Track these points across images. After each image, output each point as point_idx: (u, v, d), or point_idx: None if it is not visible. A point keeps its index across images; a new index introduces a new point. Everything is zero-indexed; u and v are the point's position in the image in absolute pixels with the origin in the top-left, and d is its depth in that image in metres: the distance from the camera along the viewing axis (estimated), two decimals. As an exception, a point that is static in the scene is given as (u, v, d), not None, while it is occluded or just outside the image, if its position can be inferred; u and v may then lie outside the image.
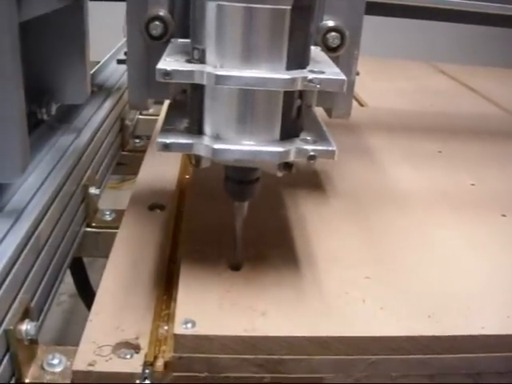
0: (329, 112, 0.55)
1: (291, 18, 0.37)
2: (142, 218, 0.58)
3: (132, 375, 0.39)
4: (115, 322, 0.43)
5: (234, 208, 0.46)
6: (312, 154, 0.39)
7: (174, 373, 0.41)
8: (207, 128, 0.40)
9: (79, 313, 1.10)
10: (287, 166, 0.42)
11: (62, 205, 0.56)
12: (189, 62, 0.40)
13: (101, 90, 0.84)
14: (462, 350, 0.42)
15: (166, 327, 0.44)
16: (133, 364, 0.40)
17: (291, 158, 0.40)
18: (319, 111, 0.50)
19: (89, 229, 0.66)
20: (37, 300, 0.48)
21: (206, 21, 0.38)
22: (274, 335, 0.41)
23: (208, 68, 0.38)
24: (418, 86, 1.17)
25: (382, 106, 1.00)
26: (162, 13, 0.49)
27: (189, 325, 0.40)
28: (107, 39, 1.07)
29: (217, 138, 0.40)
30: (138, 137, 0.94)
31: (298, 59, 0.39)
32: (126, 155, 0.90)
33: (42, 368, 0.42)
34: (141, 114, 1.00)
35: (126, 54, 0.53)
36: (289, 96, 0.39)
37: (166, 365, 0.40)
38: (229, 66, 0.38)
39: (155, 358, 0.41)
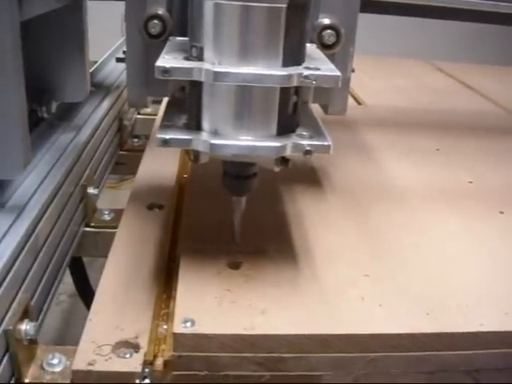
0: (325, 108, 0.56)
1: (287, 16, 0.38)
2: (140, 217, 0.58)
3: (132, 374, 0.39)
4: (115, 321, 0.43)
5: (232, 203, 0.47)
6: (308, 148, 0.40)
7: (174, 372, 0.41)
8: (205, 124, 0.41)
9: (78, 312, 1.10)
10: (284, 160, 0.43)
11: (62, 203, 0.57)
12: (187, 59, 0.40)
13: (99, 89, 0.85)
14: (461, 346, 0.42)
15: (165, 326, 0.44)
16: (132, 363, 0.40)
17: (288, 152, 0.40)
18: (315, 108, 0.51)
19: (88, 228, 0.66)
20: (36, 300, 0.49)
21: (204, 19, 0.39)
22: (274, 333, 0.41)
23: (206, 65, 0.39)
24: (416, 83, 1.18)
25: (379, 104, 1.01)
26: (160, 11, 0.50)
27: (188, 324, 0.40)
28: (103, 39, 1.07)
29: (215, 133, 0.41)
30: (136, 136, 0.95)
31: (294, 56, 0.40)
32: (124, 155, 0.90)
33: (42, 368, 0.42)
34: (139, 113, 1.01)
35: (124, 52, 0.54)
36: (285, 92, 0.40)
37: (166, 364, 0.41)
38: (226, 63, 0.39)
39: (155, 357, 0.41)
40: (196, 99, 0.41)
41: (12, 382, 0.41)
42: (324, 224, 0.56)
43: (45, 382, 0.41)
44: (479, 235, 0.56)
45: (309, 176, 0.67)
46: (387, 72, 1.26)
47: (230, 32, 0.38)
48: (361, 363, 0.42)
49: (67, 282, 0.77)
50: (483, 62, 1.56)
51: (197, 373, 0.41)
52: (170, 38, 0.48)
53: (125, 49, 0.53)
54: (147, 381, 0.40)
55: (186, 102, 0.43)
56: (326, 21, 0.51)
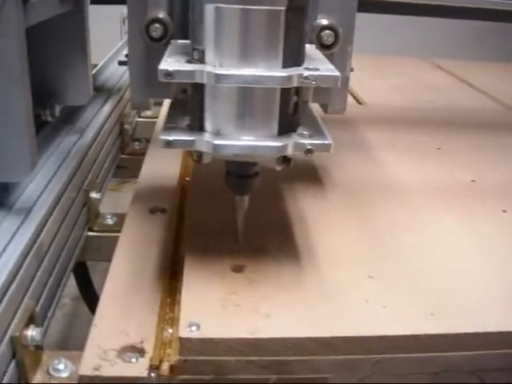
0: (325, 108, 0.56)
1: (286, 18, 0.39)
2: (143, 221, 0.58)
3: (138, 379, 0.39)
4: (120, 325, 0.43)
5: (235, 202, 0.48)
6: (309, 147, 0.41)
7: (180, 376, 0.41)
8: (208, 125, 0.42)
9: (81, 316, 1.10)
10: (285, 160, 0.44)
11: (66, 207, 0.57)
12: (189, 62, 0.41)
13: (100, 93, 0.86)
14: (466, 347, 0.42)
15: (170, 330, 0.44)
16: (138, 368, 0.40)
17: (289, 152, 0.41)
18: (315, 107, 0.52)
19: (90, 233, 0.66)
20: (41, 305, 0.49)
21: (205, 22, 0.40)
22: (279, 337, 0.41)
23: (208, 68, 0.40)
24: (415, 81, 1.18)
25: (380, 104, 1.01)
26: (161, 15, 0.50)
27: (193, 328, 0.41)
28: (102, 41, 1.08)
29: (217, 134, 0.42)
30: (137, 140, 0.95)
31: (294, 57, 0.41)
32: (125, 158, 0.90)
33: (48, 373, 0.43)
34: (139, 116, 1.02)
35: (126, 55, 0.55)
36: (285, 93, 0.41)
37: (172, 368, 0.41)
38: (228, 65, 0.39)
39: (160, 361, 0.41)
40: (198, 101, 0.42)
41: (19, 387, 0.42)
42: (326, 223, 0.57)
43: (52, 387, 0.42)
44: (482, 234, 0.56)
45: (310, 174, 0.67)
46: (386, 71, 1.27)
47: (231, 35, 0.39)
48: (366, 365, 0.42)
49: (70, 285, 0.77)
50: (481, 58, 1.56)
51: (203, 377, 0.41)
52: (172, 41, 0.49)
53: (127, 52, 0.54)
54: (154, 385, 0.40)
55: (189, 103, 0.44)
56: (325, 21, 0.52)
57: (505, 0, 0.89)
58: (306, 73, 0.40)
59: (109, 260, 0.52)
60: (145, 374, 0.40)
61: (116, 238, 0.56)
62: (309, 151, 0.41)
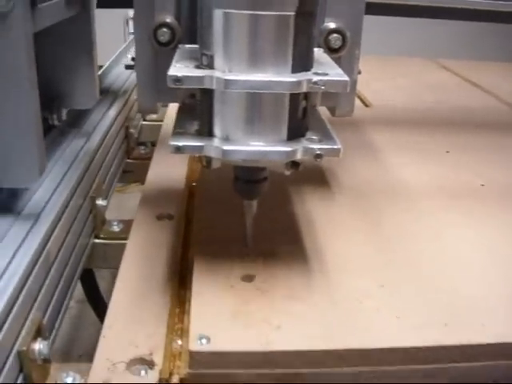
0: (332, 111, 0.56)
1: (295, 23, 0.39)
2: (150, 228, 0.57)
3: None
4: (128, 337, 0.42)
5: (243, 207, 0.48)
6: (318, 152, 0.41)
7: None
8: (217, 130, 0.42)
9: (87, 319, 1.10)
10: (294, 164, 0.44)
11: (73, 213, 0.57)
12: (198, 67, 0.41)
13: (106, 96, 0.85)
14: (480, 358, 0.42)
15: (179, 342, 0.43)
16: (148, 381, 0.39)
17: (298, 157, 0.41)
18: (322, 109, 0.52)
19: (97, 240, 0.65)
20: (48, 316, 0.48)
21: (214, 28, 0.40)
22: (291, 349, 0.40)
23: (217, 73, 0.40)
24: (421, 82, 1.17)
25: (386, 105, 1.00)
26: (168, 19, 0.50)
27: (204, 340, 0.40)
28: (106, 43, 1.08)
29: (226, 139, 0.42)
30: (142, 143, 0.95)
31: (303, 62, 0.41)
32: (131, 163, 0.90)
33: None
34: (144, 119, 1.02)
35: (133, 59, 0.55)
36: (295, 98, 0.41)
37: (182, 381, 0.40)
38: (237, 71, 0.40)
39: (170, 374, 0.40)
40: (207, 106, 0.42)
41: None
42: (333, 227, 0.56)
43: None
44: (495, 240, 0.56)
45: (317, 177, 0.67)
46: (391, 72, 1.26)
47: (240, 40, 0.39)
48: (379, 376, 0.41)
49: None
50: (483, 58, 1.56)
51: (214, 390, 0.41)
52: (180, 45, 0.49)
53: (133, 55, 0.54)
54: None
55: (198, 108, 0.44)
56: (332, 25, 0.52)
57: (505, 1, 0.89)
58: (315, 78, 0.40)
59: (115, 268, 0.52)
60: (155, 386, 0.39)
61: (122, 246, 0.55)
62: (318, 156, 0.41)
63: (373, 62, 1.17)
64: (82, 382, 0.42)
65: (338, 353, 0.41)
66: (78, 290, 0.84)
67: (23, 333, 0.41)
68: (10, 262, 0.43)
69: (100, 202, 0.65)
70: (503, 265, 0.52)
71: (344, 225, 0.57)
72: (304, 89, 0.40)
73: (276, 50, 0.39)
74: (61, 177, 0.57)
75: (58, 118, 0.64)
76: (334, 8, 0.51)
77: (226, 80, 0.39)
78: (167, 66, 0.42)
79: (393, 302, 0.46)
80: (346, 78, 0.40)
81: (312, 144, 0.42)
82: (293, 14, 0.39)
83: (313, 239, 0.54)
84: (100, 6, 0.72)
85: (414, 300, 0.46)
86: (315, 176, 0.68)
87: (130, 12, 1.12)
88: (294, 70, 0.40)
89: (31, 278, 0.44)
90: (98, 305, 0.84)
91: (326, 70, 0.42)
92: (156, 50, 0.51)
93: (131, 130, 0.89)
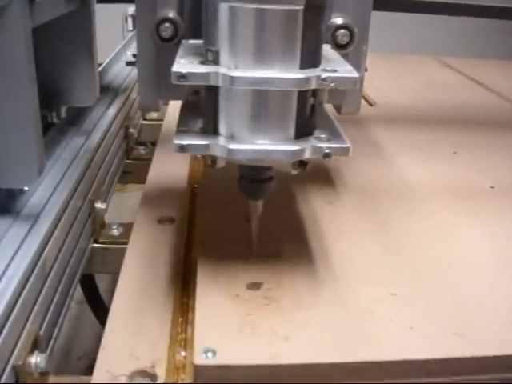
0: (338, 109, 0.55)
1: (304, 18, 0.38)
2: (151, 232, 0.55)
3: None
4: (129, 347, 0.40)
5: (248, 207, 0.47)
6: (327, 151, 0.40)
7: None
8: (222, 128, 0.41)
9: (86, 319, 1.09)
10: (302, 164, 0.42)
11: (73, 214, 0.55)
12: (202, 63, 0.40)
13: (105, 93, 0.84)
14: (497, 370, 0.40)
15: (183, 353, 0.41)
16: None
17: (306, 156, 0.40)
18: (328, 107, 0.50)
19: (96, 245, 0.63)
20: (46, 327, 0.46)
21: (219, 22, 0.38)
22: (300, 363, 0.38)
23: (222, 69, 0.38)
24: (424, 80, 1.16)
25: (391, 104, 0.99)
26: (171, 14, 0.49)
27: (209, 354, 0.38)
28: (104, 39, 1.07)
29: (232, 137, 0.40)
30: (142, 143, 0.93)
31: (311, 58, 0.39)
32: (130, 163, 0.88)
33: None
34: (144, 119, 1.00)
35: (134, 55, 0.53)
36: (303, 95, 0.40)
37: None
38: (243, 67, 0.38)
39: None
40: (212, 103, 0.41)
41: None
42: (339, 228, 0.55)
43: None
44: (508, 246, 0.54)
45: (322, 176, 0.66)
46: (393, 70, 1.25)
47: (247, 35, 0.38)
48: None
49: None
50: (487, 56, 1.55)
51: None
52: (183, 41, 0.47)
53: (134, 52, 0.53)
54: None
55: (202, 106, 0.42)
56: (339, 20, 0.50)
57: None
58: (324, 74, 0.38)
59: (114, 272, 0.50)
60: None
61: (122, 250, 0.53)
62: (327, 155, 0.40)
63: (375, 60, 1.16)
64: None
65: (351, 366, 0.39)
66: (77, 291, 0.83)
67: (19, 345, 0.39)
68: (8, 265, 0.41)
69: (99, 204, 0.63)
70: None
71: (350, 225, 0.56)
72: (313, 86, 0.38)
73: (284, 45, 0.38)
74: (60, 176, 0.56)
75: (57, 116, 0.63)
76: (341, 3, 0.50)
77: (231, 77, 0.38)
78: (170, 62, 0.40)
79: (406, 311, 0.43)
80: (355, 74, 0.39)
81: (320, 143, 0.40)
82: (301, 7, 0.37)
83: (319, 241, 0.52)
84: (100, 0, 0.70)
85: (426, 309, 0.44)
86: (320, 175, 0.66)
87: (129, 9, 1.11)
88: (303, 67, 0.39)
89: (28, 285, 0.42)
90: (98, 307, 0.82)
91: (335, 66, 0.40)
92: (158, 46, 0.50)
93: (131, 130, 0.87)
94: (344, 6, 0.50)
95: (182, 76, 0.38)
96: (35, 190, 0.52)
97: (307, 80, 0.38)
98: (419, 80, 1.17)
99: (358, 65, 0.51)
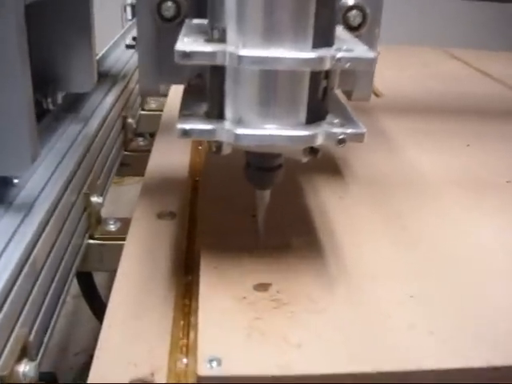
0: (349, 95, 0.52)
1: (317, -8, 0.35)
2: (150, 228, 0.52)
3: None
4: (127, 353, 0.37)
5: (255, 197, 0.44)
6: (341, 137, 0.37)
7: None
8: (228, 112, 0.38)
9: (83, 314, 1.07)
10: (312, 150, 0.40)
11: (67, 207, 0.52)
12: (208, 42, 0.37)
13: (103, 81, 0.81)
14: None
15: (185, 360, 0.37)
16: None
17: (319, 142, 0.37)
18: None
19: (92, 241, 0.60)
20: (35, 332, 0.43)
21: (227, -3, 0.36)
22: (312, 373, 0.35)
23: (230, 48, 0.35)
24: (432, 72, 1.14)
25: (398, 95, 0.96)
26: (173, -7, 0.46)
27: (214, 363, 0.35)
28: (103, 28, 1.04)
29: (239, 122, 0.37)
30: (141, 135, 0.90)
31: (325, 37, 0.37)
32: (129, 155, 0.85)
33: None
34: (143, 109, 0.97)
35: (134, 38, 0.51)
36: (315, 76, 0.37)
37: None
38: (252, 46, 0.35)
39: None
40: (218, 85, 0.38)
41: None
42: (349, 221, 0.52)
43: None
44: None
45: (330, 166, 0.63)
46: (400, 61, 1.22)
47: (256, 11, 0.35)
48: None
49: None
50: (489, 48, 1.52)
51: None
52: (186, 20, 0.45)
53: (134, 35, 0.50)
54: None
55: (207, 88, 0.40)
56: (351, 1, 0.47)
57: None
58: (339, 54, 0.36)
59: (112, 270, 0.47)
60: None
61: (119, 247, 0.50)
62: (341, 141, 0.37)
63: (382, 50, 1.13)
64: None
65: (367, 376, 0.36)
66: (74, 285, 0.80)
67: (6, 353, 0.36)
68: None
69: (95, 198, 0.60)
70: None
71: (360, 219, 0.53)
72: (327, 66, 0.36)
73: (296, 22, 0.35)
74: (55, 165, 0.53)
75: (52, 102, 0.60)
76: (353, -18, 0.47)
77: (240, 56, 0.35)
78: (171, 44, 0.37)
79: (425, 315, 0.40)
80: (372, 54, 0.36)
81: (334, 128, 0.38)
82: (315, -19, 0.35)
83: (329, 235, 0.49)
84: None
85: (448, 313, 0.41)
86: (328, 164, 0.64)
87: (128, -3, 1.08)
88: (315, 46, 0.36)
89: (17, 284, 0.39)
90: (95, 303, 0.79)
91: (350, 46, 0.37)
92: (159, 27, 0.47)
93: (129, 120, 0.84)
94: (356, -15, 0.47)
95: (186, 55, 0.35)
96: (29, 178, 0.50)
97: (321, 60, 0.35)
98: (426, 71, 1.14)
99: (371, 48, 0.48)
